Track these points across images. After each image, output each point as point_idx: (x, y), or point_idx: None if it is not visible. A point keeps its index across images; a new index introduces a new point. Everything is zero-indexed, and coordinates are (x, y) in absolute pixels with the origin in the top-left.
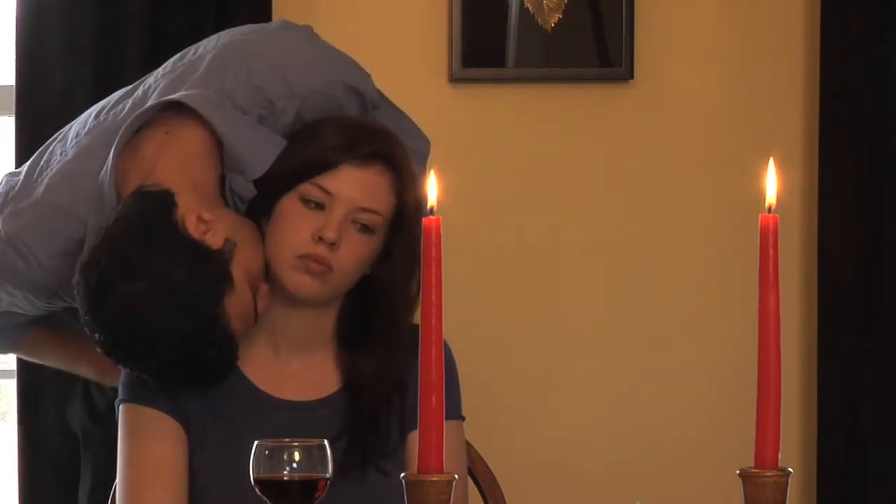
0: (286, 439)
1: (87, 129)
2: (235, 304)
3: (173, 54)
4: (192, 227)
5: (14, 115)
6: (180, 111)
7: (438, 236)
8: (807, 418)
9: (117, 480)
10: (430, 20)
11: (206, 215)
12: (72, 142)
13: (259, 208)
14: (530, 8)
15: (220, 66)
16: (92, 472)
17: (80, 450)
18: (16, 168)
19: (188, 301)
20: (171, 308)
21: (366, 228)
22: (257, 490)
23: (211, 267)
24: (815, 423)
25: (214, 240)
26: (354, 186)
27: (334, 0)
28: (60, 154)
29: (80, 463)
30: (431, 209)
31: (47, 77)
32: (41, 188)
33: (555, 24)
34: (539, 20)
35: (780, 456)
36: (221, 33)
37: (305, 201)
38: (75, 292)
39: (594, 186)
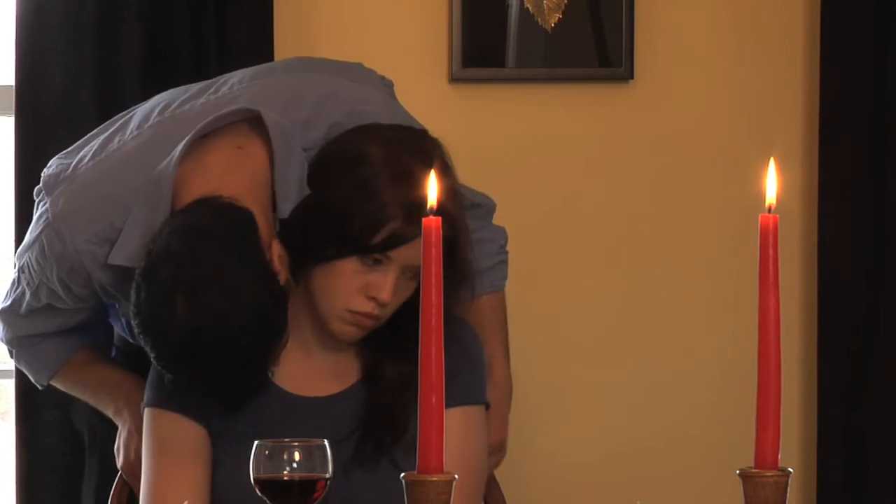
0: (286, 439)
1: (150, 123)
2: (279, 348)
3: (173, 54)
4: (276, 262)
5: (14, 115)
6: (253, 126)
7: (438, 236)
8: (807, 418)
9: (142, 485)
10: (430, 20)
11: (283, 254)
12: (132, 133)
13: (314, 257)
14: (530, 8)
15: (301, 94)
16: (99, 472)
17: (86, 449)
18: (14, 166)
19: (258, 337)
20: (243, 339)
21: (415, 277)
22: (257, 490)
23: (282, 305)
24: (815, 423)
25: (282, 277)
26: (414, 251)
27: (335, 0)
28: (118, 142)
29: (85, 462)
30: (431, 209)
31: (47, 77)
32: (93, 174)
33: (555, 24)
34: (539, 20)
35: (780, 456)
36: (294, 60)
37: (363, 260)
38: (140, 275)
39: (594, 186)
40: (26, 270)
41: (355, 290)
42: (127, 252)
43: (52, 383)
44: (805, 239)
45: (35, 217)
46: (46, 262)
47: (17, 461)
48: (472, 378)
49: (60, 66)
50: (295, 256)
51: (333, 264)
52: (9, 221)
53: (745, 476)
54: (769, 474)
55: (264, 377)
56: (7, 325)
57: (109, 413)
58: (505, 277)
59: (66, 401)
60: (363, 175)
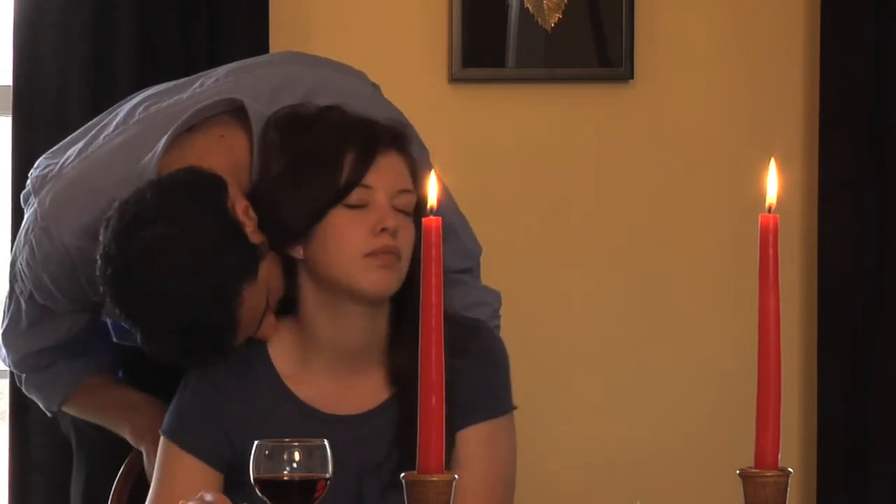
0: (286, 439)
1: (135, 118)
2: (251, 297)
3: (169, 54)
4: (240, 213)
5: (11, 115)
6: (236, 117)
7: (438, 236)
8: (807, 418)
9: None
10: (430, 20)
11: (252, 214)
12: (117, 129)
13: (292, 237)
14: (530, 8)
15: (290, 84)
16: (86, 472)
17: (74, 449)
18: (12, 166)
19: (215, 265)
20: (198, 265)
21: (406, 213)
22: (257, 490)
23: (245, 249)
24: (815, 423)
25: (254, 237)
26: (387, 173)
27: (334, 0)
28: (104, 139)
29: (73, 462)
30: (431, 209)
31: (45, 77)
32: (79, 170)
33: (555, 24)
34: (539, 20)
35: (780, 456)
36: (284, 53)
37: (349, 206)
38: (102, 227)
39: (594, 187)
40: (18, 279)
41: (361, 235)
42: None
43: (65, 409)
44: (805, 239)
45: (24, 221)
46: (36, 262)
47: (9, 461)
48: (497, 387)
49: (58, 66)
50: (280, 237)
51: (325, 229)
52: (6, 221)
53: (745, 476)
54: (769, 474)
55: (228, 335)
56: (10, 346)
57: (125, 434)
58: None
59: None
60: (306, 144)
